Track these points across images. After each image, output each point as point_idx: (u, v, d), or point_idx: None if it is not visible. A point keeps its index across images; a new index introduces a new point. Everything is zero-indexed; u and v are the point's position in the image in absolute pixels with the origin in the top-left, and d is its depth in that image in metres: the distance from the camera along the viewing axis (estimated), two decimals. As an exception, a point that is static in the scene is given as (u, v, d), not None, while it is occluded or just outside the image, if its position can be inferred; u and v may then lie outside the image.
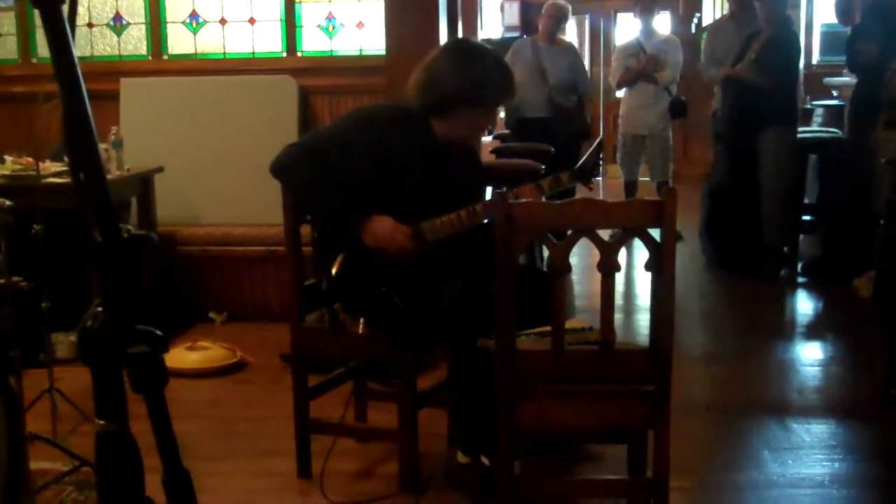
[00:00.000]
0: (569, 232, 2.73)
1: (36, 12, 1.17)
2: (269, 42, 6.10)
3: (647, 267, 2.64)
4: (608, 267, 2.63)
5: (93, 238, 1.12)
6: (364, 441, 3.59)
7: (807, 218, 6.88)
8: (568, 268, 2.67)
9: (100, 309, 1.15)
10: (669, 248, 2.60)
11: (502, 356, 2.67)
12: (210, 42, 6.16)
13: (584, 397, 2.73)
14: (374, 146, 3.11)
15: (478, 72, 3.16)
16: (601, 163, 3.46)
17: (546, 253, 2.68)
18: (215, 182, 5.69)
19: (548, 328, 2.72)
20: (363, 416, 3.66)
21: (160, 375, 1.18)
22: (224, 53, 6.14)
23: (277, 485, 3.33)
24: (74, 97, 1.09)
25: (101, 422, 1.19)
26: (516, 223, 2.63)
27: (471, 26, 9.02)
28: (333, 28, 6.03)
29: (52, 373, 3.70)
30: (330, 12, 6.02)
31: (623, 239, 2.65)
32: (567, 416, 2.76)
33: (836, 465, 3.45)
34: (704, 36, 7.61)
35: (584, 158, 3.26)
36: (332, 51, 6.06)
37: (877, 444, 3.71)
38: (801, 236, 6.79)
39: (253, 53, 6.11)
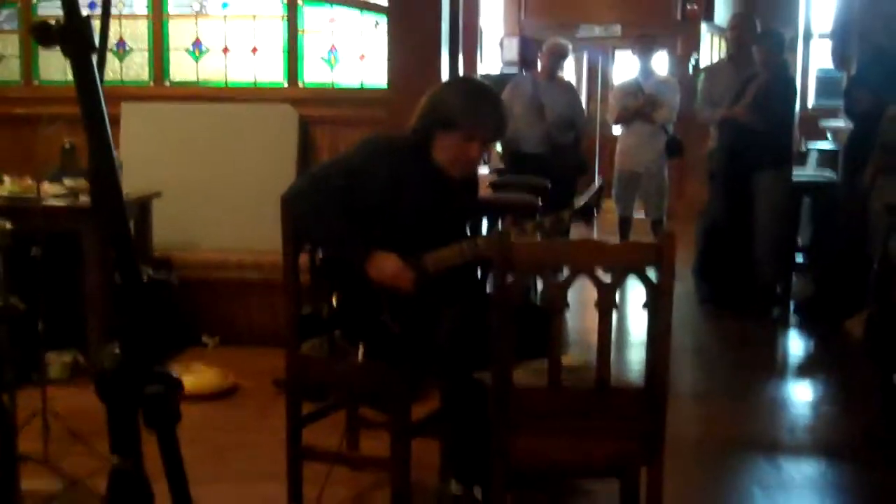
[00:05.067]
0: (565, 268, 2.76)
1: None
2: (271, 72, 6.14)
3: (645, 307, 2.67)
4: (606, 307, 2.66)
5: (114, 280, 1.16)
6: (356, 469, 3.60)
7: (800, 259, 6.93)
8: (565, 305, 2.71)
9: (117, 350, 1.18)
10: (666, 290, 2.63)
11: (499, 392, 2.69)
12: (212, 70, 6.20)
13: (580, 434, 2.75)
14: (380, 174, 3.16)
15: (469, 99, 3.23)
16: (601, 203, 3.51)
17: (540, 286, 2.71)
18: (212, 208, 5.71)
19: (542, 362, 2.74)
20: (355, 443, 3.68)
21: (173, 413, 1.20)
22: (226, 82, 6.18)
23: (269, 511, 3.33)
24: (102, 148, 1.13)
25: (115, 458, 1.21)
26: (516, 261, 2.66)
27: (471, 61, 9.11)
28: (335, 60, 6.08)
29: (45, 393, 3.70)
30: (332, 45, 6.06)
31: (620, 279, 2.68)
32: (562, 452, 2.78)
33: (826, 504, 3.48)
34: (701, 77, 7.68)
35: (585, 199, 3.30)
36: (333, 82, 6.10)
37: (864, 484, 3.74)
38: (794, 277, 6.83)
39: (255, 83, 6.16)
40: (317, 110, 5.94)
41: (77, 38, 1.11)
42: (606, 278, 2.66)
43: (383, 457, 3.23)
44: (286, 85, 6.10)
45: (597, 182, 7.17)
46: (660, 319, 2.66)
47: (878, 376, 4.37)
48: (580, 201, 3.32)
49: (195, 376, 4.57)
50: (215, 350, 5.34)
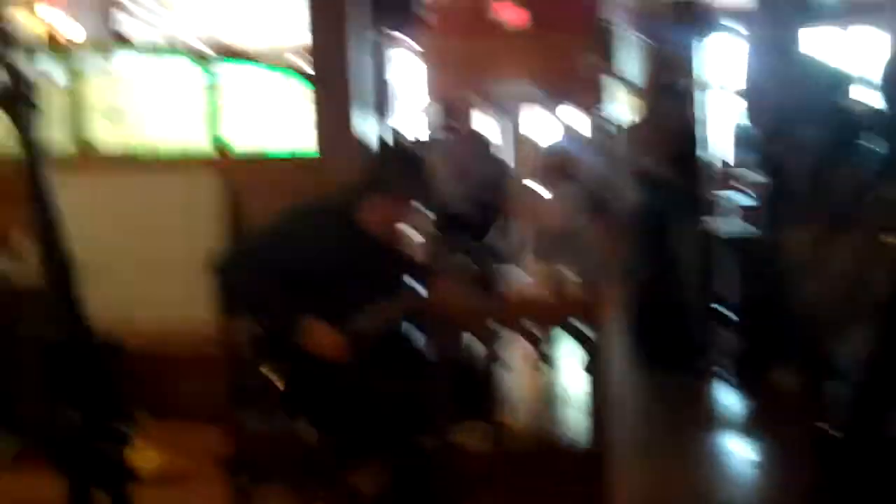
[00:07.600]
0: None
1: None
2: (193, 135, 5.98)
3: (587, 369, 2.68)
4: (546, 363, 2.67)
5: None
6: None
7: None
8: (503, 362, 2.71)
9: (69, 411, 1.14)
10: (606, 347, 2.66)
11: (445, 456, 2.67)
12: (130, 135, 6.02)
13: (527, 497, 2.73)
14: (305, 238, 3.17)
15: (384, 158, 3.32)
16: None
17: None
18: (141, 279, 5.60)
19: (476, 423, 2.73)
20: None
21: (125, 472, 1.17)
22: (154, 152, 6.01)
23: None
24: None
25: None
26: (452, 318, 2.66)
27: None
28: (259, 122, 5.98)
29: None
30: (255, 107, 5.96)
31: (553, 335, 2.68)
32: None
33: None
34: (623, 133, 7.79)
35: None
36: (263, 150, 5.98)
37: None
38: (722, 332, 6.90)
39: (183, 151, 6.00)
40: (245, 177, 5.82)
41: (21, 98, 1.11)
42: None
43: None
44: (213, 152, 5.97)
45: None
46: (601, 378, 2.68)
47: (813, 430, 4.41)
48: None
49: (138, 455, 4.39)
50: (148, 425, 5.13)
